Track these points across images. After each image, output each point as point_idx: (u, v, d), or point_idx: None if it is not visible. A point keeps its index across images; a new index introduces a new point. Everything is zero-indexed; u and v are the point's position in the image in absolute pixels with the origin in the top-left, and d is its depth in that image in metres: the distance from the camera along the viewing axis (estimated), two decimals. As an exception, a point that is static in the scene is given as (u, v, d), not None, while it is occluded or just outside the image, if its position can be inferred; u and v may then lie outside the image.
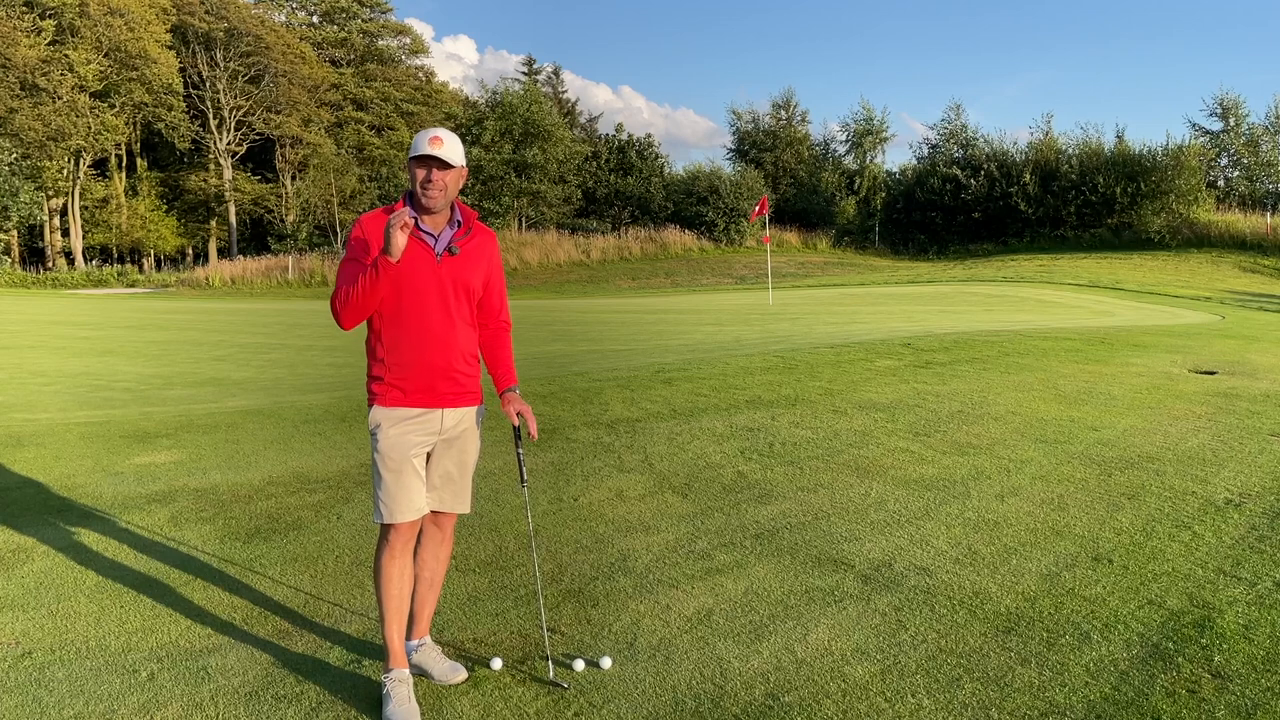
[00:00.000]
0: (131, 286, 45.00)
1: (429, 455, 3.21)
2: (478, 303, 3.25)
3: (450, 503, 3.28)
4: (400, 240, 2.91)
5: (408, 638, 3.33)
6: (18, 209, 44.29)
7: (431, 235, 3.13)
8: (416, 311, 3.07)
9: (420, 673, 3.28)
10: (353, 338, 17.06)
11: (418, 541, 3.30)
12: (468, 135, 48.15)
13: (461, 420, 3.23)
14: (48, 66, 46.71)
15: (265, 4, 61.48)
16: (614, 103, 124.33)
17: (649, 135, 59.19)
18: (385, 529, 3.15)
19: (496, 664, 3.33)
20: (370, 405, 3.15)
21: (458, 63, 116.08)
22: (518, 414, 3.30)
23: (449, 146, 3.06)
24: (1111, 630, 3.60)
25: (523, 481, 3.39)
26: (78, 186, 51.72)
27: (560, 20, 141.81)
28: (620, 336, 15.77)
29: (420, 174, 3.05)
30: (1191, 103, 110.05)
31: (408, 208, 3.03)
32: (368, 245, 3.07)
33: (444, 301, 3.11)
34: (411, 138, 59.17)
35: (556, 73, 65.04)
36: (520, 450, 3.40)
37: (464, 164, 3.15)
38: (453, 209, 3.18)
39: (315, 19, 65.34)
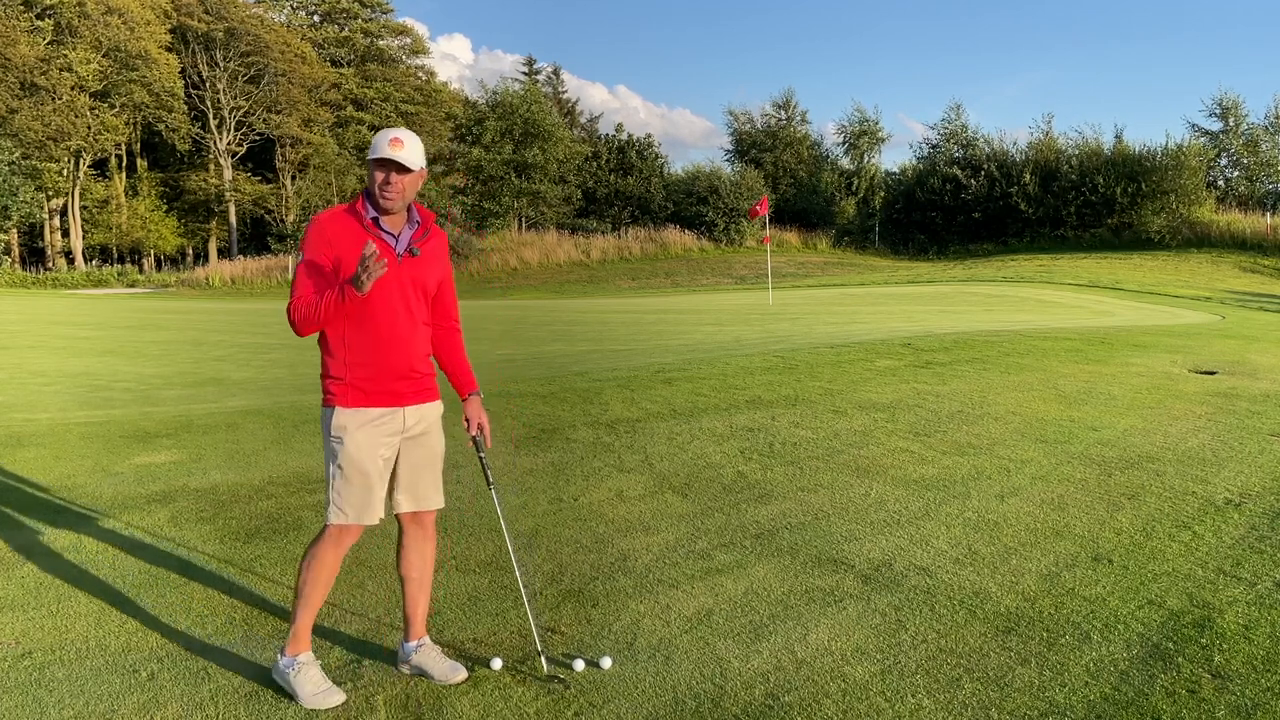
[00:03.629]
0: (131, 286, 45.01)
1: (395, 457, 3.21)
2: (432, 302, 3.29)
3: (426, 499, 3.30)
4: (376, 278, 2.91)
5: (406, 639, 3.35)
6: (17, 209, 44.29)
7: (393, 235, 3.13)
8: (379, 313, 3.08)
9: (420, 673, 3.28)
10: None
11: (400, 544, 3.33)
12: (468, 135, 48.16)
13: (422, 418, 3.25)
14: (47, 66, 46.71)
15: (265, 4, 61.48)
16: (610, 102, 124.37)
17: (649, 135, 59.23)
18: (332, 528, 3.13)
19: (496, 664, 3.33)
20: (328, 406, 3.13)
21: (453, 62, 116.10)
22: (478, 426, 3.37)
23: (409, 149, 3.06)
24: (1111, 630, 3.60)
25: (489, 483, 3.42)
26: (78, 186, 51.71)
27: (556, 19, 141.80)
28: (620, 336, 15.77)
29: (379, 176, 3.06)
30: (1191, 103, 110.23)
31: (372, 244, 2.93)
32: (330, 245, 3.05)
33: (405, 302, 3.14)
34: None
35: (556, 73, 65.16)
36: (482, 455, 3.43)
37: (423, 166, 3.15)
38: (410, 209, 3.20)
39: (316, 19, 65.35)
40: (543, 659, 3.32)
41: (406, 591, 3.34)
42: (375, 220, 3.10)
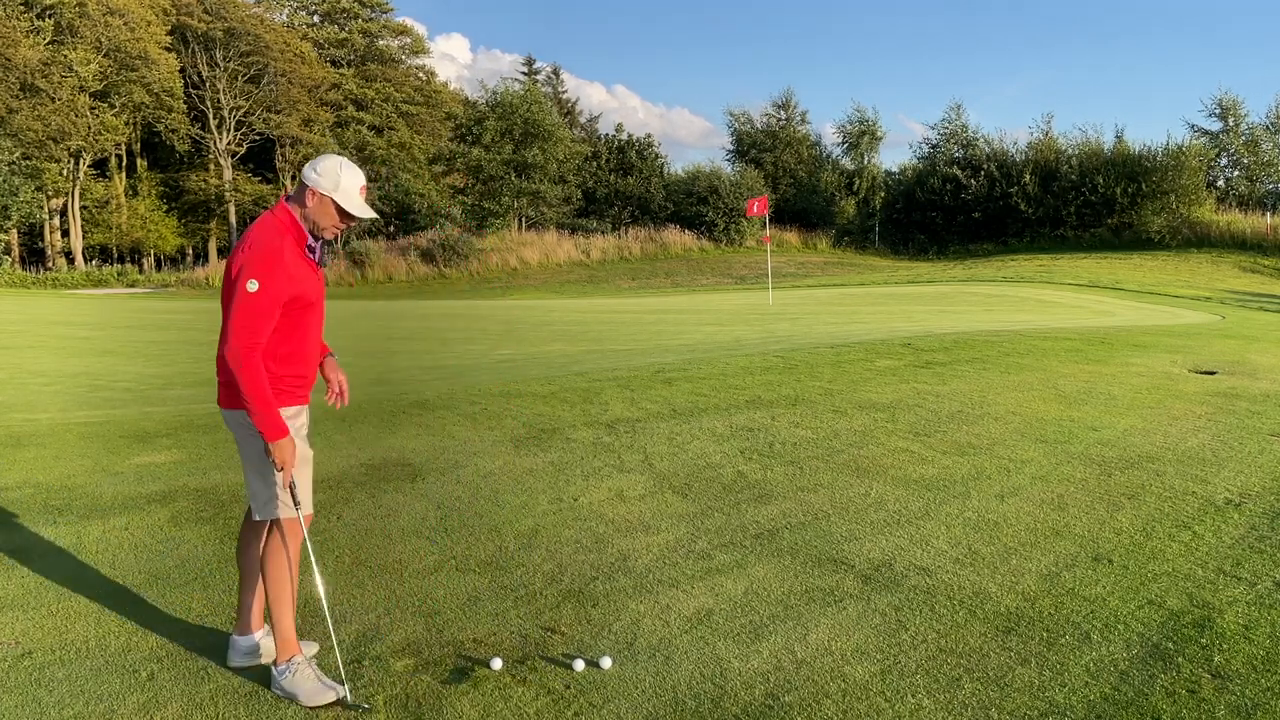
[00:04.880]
0: (131, 286, 44.98)
1: None
2: None
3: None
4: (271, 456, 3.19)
5: (249, 631, 3.42)
6: (18, 209, 44.28)
7: (314, 250, 3.27)
8: (309, 321, 3.26)
9: (255, 661, 3.36)
10: (356, 337, 17.04)
11: (249, 537, 3.41)
12: (468, 135, 48.13)
13: (309, 415, 3.43)
14: (47, 67, 46.70)
15: (265, 4, 61.48)
16: (609, 102, 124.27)
17: (648, 135, 59.20)
18: (286, 523, 3.25)
19: (496, 664, 3.33)
20: None
21: (451, 62, 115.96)
22: (339, 382, 3.51)
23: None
24: (1111, 630, 3.60)
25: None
26: (78, 186, 51.68)
27: (554, 19, 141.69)
28: (620, 336, 15.77)
29: (340, 223, 3.21)
30: (1191, 103, 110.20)
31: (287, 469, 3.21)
32: (290, 281, 3.11)
33: (321, 308, 3.33)
34: (413, 137, 58.62)
35: (556, 72, 65.07)
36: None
37: None
38: None
39: (316, 19, 65.33)
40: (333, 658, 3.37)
41: (251, 584, 3.40)
42: (310, 247, 3.24)
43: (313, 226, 3.21)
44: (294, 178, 59.13)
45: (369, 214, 3.23)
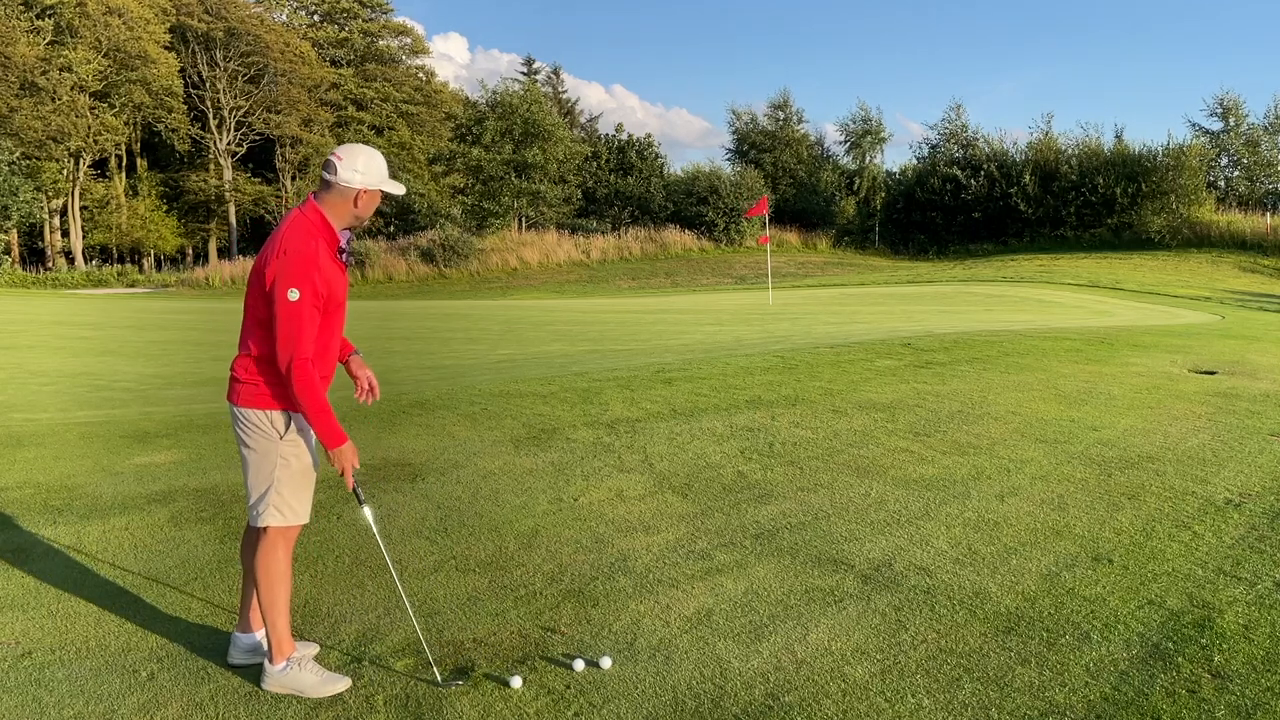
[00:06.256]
0: (131, 286, 44.99)
1: None
2: None
3: None
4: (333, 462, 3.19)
5: (251, 629, 3.41)
6: (18, 209, 44.28)
7: (343, 251, 3.22)
8: (334, 322, 3.21)
9: (256, 659, 3.33)
10: (356, 337, 16.99)
11: (253, 534, 3.36)
12: (468, 135, 48.16)
13: None
14: (47, 66, 46.72)
15: (266, 3, 61.49)
16: (607, 102, 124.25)
17: (648, 135, 59.16)
18: (285, 529, 3.21)
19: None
20: (271, 409, 3.16)
21: (449, 62, 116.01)
22: (368, 380, 3.48)
23: None
24: (1111, 630, 3.60)
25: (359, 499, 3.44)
26: (78, 186, 51.71)
27: (552, 19, 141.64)
28: (620, 336, 15.76)
29: (375, 203, 3.19)
30: (1191, 103, 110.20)
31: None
32: (325, 284, 3.08)
33: (345, 308, 3.28)
34: (413, 137, 58.54)
35: (556, 72, 65.11)
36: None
37: None
38: None
39: (316, 19, 65.34)
40: (434, 669, 3.28)
41: (254, 582, 3.36)
42: (340, 249, 3.19)
43: (355, 222, 3.19)
44: (294, 178, 59.15)
45: (401, 189, 3.26)
